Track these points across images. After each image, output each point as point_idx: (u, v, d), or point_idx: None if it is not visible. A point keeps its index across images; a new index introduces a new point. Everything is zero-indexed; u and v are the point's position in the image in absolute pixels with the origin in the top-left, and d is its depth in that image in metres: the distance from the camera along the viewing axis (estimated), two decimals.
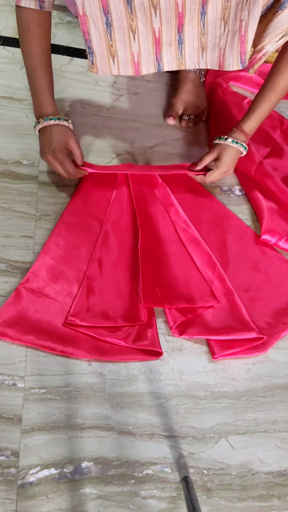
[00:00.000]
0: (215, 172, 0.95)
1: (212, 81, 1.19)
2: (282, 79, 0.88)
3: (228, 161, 0.94)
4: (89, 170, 0.93)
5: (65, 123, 0.89)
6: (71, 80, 1.08)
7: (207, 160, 0.95)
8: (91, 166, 0.95)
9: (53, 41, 1.11)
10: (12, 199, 0.91)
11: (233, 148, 0.93)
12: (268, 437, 0.77)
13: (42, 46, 0.86)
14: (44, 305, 0.80)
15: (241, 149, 0.94)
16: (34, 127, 0.90)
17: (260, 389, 0.81)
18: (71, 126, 0.90)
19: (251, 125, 0.94)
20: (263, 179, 1.02)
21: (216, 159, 0.95)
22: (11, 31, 1.12)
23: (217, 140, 0.95)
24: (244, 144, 0.94)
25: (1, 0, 1.16)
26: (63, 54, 1.12)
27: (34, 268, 0.83)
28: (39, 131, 0.90)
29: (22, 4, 0.80)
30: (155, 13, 0.72)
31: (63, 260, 0.85)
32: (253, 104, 0.93)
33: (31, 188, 0.93)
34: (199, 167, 0.96)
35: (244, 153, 0.96)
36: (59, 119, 0.88)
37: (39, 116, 0.89)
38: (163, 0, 0.70)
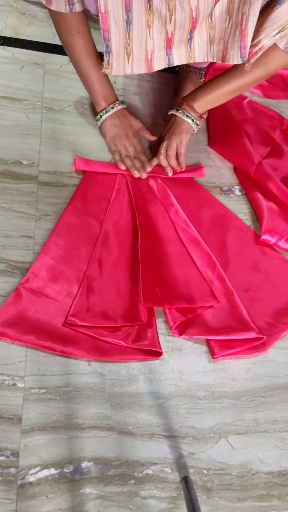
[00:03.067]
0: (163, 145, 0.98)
1: None
2: (257, 69, 0.86)
3: (175, 128, 0.97)
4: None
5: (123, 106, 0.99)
6: (71, 80, 1.08)
7: (154, 162, 0.99)
8: (93, 162, 0.97)
9: (53, 41, 1.12)
10: (12, 199, 0.91)
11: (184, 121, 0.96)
12: (268, 437, 0.77)
13: (92, 43, 0.89)
14: (44, 305, 0.80)
15: (193, 125, 0.97)
16: (101, 116, 0.96)
17: (260, 389, 0.81)
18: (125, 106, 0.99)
19: (201, 105, 0.95)
20: (262, 179, 1.02)
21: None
22: (11, 31, 1.12)
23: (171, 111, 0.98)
24: (196, 120, 0.96)
25: (1, 0, 1.16)
26: (63, 54, 1.12)
27: (34, 268, 0.83)
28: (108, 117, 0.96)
29: (53, 8, 0.80)
30: (170, 20, 0.73)
31: (63, 260, 0.85)
32: (211, 83, 0.93)
33: (31, 188, 0.93)
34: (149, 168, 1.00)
35: (196, 130, 0.98)
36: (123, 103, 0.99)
37: (108, 103, 0.96)
38: (179, 10, 0.72)
